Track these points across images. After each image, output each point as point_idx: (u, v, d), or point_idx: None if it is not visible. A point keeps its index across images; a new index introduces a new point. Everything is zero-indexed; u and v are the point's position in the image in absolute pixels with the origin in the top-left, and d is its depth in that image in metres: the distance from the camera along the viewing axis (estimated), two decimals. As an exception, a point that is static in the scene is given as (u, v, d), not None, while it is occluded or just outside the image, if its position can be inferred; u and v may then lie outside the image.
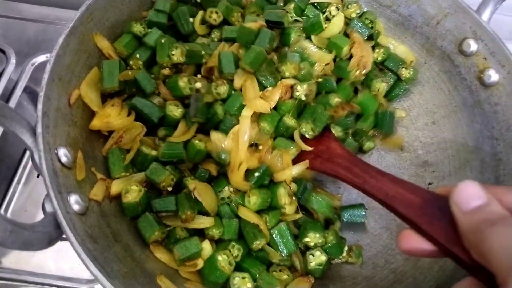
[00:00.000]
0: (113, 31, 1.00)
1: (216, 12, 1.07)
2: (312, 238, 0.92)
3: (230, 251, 0.88)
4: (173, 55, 0.96)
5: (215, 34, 1.08)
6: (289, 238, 0.90)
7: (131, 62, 1.00)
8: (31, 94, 1.28)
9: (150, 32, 1.01)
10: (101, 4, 0.94)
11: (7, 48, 1.34)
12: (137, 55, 0.99)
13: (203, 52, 0.97)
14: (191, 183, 0.89)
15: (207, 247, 0.87)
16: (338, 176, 0.90)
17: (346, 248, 0.98)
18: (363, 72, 1.07)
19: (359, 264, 0.99)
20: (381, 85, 1.10)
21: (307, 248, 0.93)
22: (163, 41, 0.98)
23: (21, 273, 1.02)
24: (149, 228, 0.87)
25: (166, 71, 0.99)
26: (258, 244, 0.89)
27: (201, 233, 0.90)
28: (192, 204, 0.87)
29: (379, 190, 0.79)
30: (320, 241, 0.93)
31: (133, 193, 0.87)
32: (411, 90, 1.15)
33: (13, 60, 1.32)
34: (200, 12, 1.07)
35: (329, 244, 0.94)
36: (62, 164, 0.77)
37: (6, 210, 1.09)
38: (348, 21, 1.13)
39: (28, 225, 0.64)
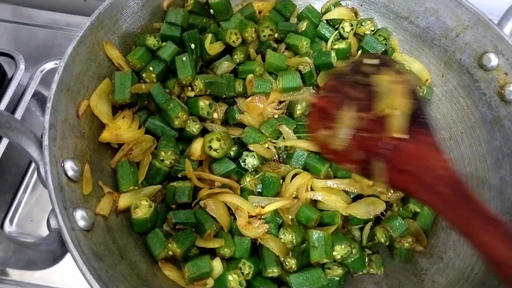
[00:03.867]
0: (123, 41, 0.98)
1: (235, 34, 1.06)
2: (339, 250, 0.90)
3: (241, 268, 0.86)
4: (195, 85, 0.97)
5: (238, 55, 1.06)
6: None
7: (144, 75, 0.98)
8: (40, 100, 1.27)
9: (164, 46, 1.00)
10: (111, 13, 0.92)
11: (16, 54, 1.33)
12: (150, 68, 0.97)
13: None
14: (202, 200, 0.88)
15: (218, 265, 0.84)
16: (431, 206, 0.71)
17: (366, 259, 0.95)
18: None
19: (380, 274, 0.96)
20: None
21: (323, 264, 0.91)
22: (184, 58, 0.96)
23: (25, 285, 0.99)
24: (159, 245, 0.84)
25: (190, 93, 0.98)
26: (274, 272, 0.87)
27: (211, 251, 0.88)
28: (213, 220, 0.87)
29: (490, 251, 0.61)
30: (346, 251, 0.90)
31: (143, 209, 0.85)
32: (427, 104, 1.12)
33: (22, 66, 1.31)
34: (209, 35, 1.04)
35: (352, 259, 0.91)
36: (69, 177, 0.75)
37: (11, 219, 1.06)
38: (361, 37, 1.12)
39: (31, 243, 0.62)
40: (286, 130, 0.99)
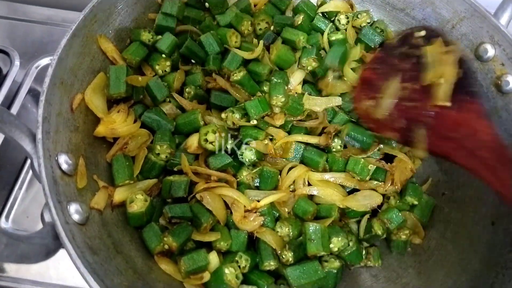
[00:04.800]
0: (117, 35, 0.97)
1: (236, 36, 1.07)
2: (336, 243, 0.89)
3: (237, 261, 0.85)
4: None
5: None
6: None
7: (156, 67, 0.99)
8: (35, 96, 1.26)
9: (162, 38, 1.00)
10: (105, 5, 0.92)
11: (11, 51, 1.32)
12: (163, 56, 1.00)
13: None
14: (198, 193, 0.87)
15: (214, 259, 0.84)
16: (477, 175, 0.73)
17: (364, 252, 0.95)
18: None
19: (378, 267, 0.96)
20: None
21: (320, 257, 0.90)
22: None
23: (21, 281, 0.99)
24: (155, 239, 0.84)
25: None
26: (270, 265, 0.87)
27: (208, 244, 0.87)
28: (209, 213, 0.86)
29: None
30: (343, 243, 0.90)
31: (139, 203, 0.84)
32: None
33: (17, 63, 1.30)
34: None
35: (349, 251, 0.91)
36: (63, 171, 0.75)
37: (7, 216, 1.06)
38: (358, 30, 1.12)
39: (25, 236, 0.61)
40: (274, 131, 0.98)
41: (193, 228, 0.86)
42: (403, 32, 0.86)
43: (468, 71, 0.77)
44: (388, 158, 1.01)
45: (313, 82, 1.07)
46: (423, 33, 0.83)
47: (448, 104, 0.73)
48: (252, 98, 0.98)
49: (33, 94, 1.26)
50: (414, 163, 1.03)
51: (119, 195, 0.85)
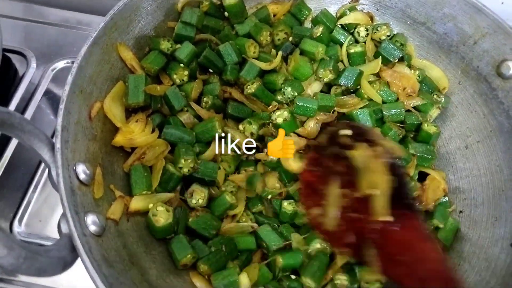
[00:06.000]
0: (137, 42, 0.97)
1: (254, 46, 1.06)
2: None
3: None
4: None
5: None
6: None
7: (174, 76, 0.98)
8: (50, 99, 1.25)
9: (181, 47, 0.99)
10: (126, 14, 0.91)
11: (28, 52, 1.32)
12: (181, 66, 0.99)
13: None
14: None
15: (244, 280, 0.84)
16: None
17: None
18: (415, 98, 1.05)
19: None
20: (433, 111, 1.06)
21: None
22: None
23: (33, 286, 0.99)
24: (182, 251, 0.83)
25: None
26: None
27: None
28: None
29: None
30: None
31: (163, 215, 0.84)
32: (443, 111, 1.10)
33: (33, 64, 1.30)
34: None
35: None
36: (80, 181, 0.74)
37: (20, 220, 1.05)
38: (377, 43, 1.10)
39: (42, 249, 0.61)
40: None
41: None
42: (328, 130, 0.82)
43: (401, 178, 0.71)
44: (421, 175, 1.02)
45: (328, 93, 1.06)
46: (348, 132, 0.78)
47: (390, 219, 0.66)
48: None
49: (49, 96, 1.25)
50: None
51: (136, 203, 0.85)
